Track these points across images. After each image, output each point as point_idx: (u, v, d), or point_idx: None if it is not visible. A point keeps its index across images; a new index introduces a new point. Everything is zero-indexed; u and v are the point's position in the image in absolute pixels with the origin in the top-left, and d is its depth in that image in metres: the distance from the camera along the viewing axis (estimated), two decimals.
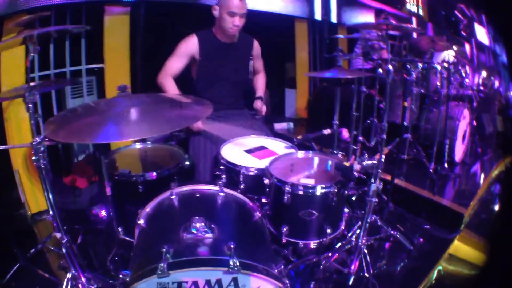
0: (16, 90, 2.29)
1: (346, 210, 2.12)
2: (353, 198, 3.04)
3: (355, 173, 1.79)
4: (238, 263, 1.27)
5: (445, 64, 3.74)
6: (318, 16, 5.57)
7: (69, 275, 1.91)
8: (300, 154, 2.30)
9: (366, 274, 2.19)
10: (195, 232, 1.42)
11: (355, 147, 3.63)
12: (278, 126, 5.12)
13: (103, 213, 2.81)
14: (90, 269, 2.10)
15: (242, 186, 2.13)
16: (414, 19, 6.66)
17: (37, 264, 2.37)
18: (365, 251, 2.21)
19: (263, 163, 2.16)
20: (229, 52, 2.72)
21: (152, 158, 2.40)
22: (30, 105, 1.76)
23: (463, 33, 5.88)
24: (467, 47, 6.09)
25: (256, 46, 2.90)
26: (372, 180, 1.95)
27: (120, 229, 2.04)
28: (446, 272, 2.49)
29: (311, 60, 5.75)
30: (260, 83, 3.07)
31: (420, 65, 3.77)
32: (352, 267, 2.18)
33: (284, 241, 1.95)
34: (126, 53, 3.69)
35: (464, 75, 4.08)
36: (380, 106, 4.03)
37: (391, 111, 4.16)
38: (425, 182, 3.45)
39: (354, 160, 2.09)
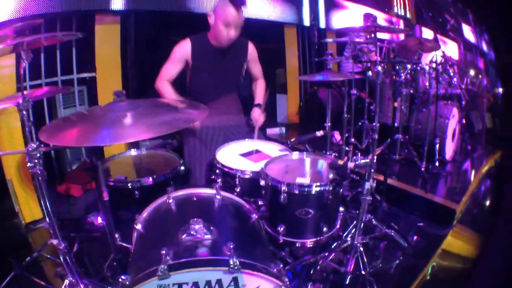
0: (8, 98, 2.28)
1: (341, 209, 2.15)
2: (348, 199, 3.08)
3: (349, 171, 1.81)
4: (238, 263, 1.28)
5: (433, 65, 3.80)
6: (306, 21, 5.63)
7: (66, 282, 1.89)
8: (295, 155, 2.32)
9: (362, 272, 2.21)
10: (194, 233, 1.43)
11: (347, 149, 3.67)
12: (271, 131, 5.15)
13: (99, 220, 2.80)
14: (87, 276, 2.09)
15: (238, 189, 2.15)
16: (401, 22, 6.77)
17: (32, 273, 2.35)
18: (361, 249, 2.23)
19: (258, 166, 2.18)
20: (222, 56, 2.67)
21: (147, 164, 2.40)
22: (24, 112, 1.76)
23: (450, 33, 5.98)
24: (455, 46, 6.19)
25: (252, 49, 2.82)
26: (366, 179, 1.98)
27: (117, 235, 2.04)
28: (440, 267, 2.53)
29: (301, 65, 5.81)
30: (259, 90, 2.98)
31: (409, 66, 3.82)
32: (349, 266, 2.20)
33: (281, 240, 1.97)
34: (117, 62, 3.70)
35: (452, 74, 4.14)
36: (370, 108, 4.08)
37: (382, 113, 4.22)
38: (417, 181, 3.50)
39: (347, 160, 2.12)
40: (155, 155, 2.51)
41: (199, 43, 2.63)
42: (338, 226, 2.12)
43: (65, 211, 3.14)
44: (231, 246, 1.33)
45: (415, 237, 2.87)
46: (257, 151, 2.49)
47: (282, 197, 1.90)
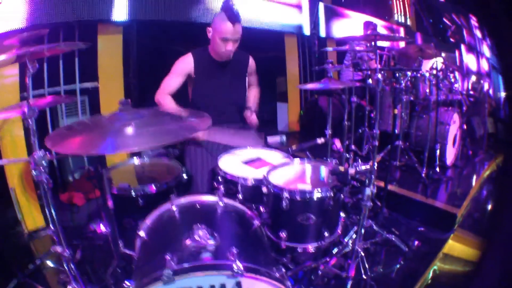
0: (12, 107, 2.31)
1: (342, 214, 2.17)
2: (349, 206, 3.09)
3: (350, 178, 1.84)
4: (241, 267, 1.29)
5: (434, 71, 3.83)
6: (307, 30, 5.68)
7: None
8: (296, 162, 2.35)
9: (364, 277, 2.22)
10: (198, 239, 1.44)
11: (348, 156, 3.69)
12: (271, 139, 5.16)
13: (102, 228, 2.82)
14: (90, 284, 2.11)
15: (240, 196, 2.17)
16: (402, 29, 6.80)
17: (35, 281, 2.37)
18: (362, 254, 2.25)
19: (260, 173, 2.20)
20: (224, 70, 2.70)
21: (149, 173, 2.43)
22: (29, 121, 1.78)
23: (451, 39, 6.01)
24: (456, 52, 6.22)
25: (251, 62, 2.86)
26: (366, 185, 2.00)
27: (120, 243, 2.06)
28: (442, 271, 2.54)
29: (301, 74, 5.85)
30: (251, 95, 2.99)
31: (409, 73, 3.86)
32: (350, 271, 2.21)
33: (283, 246, 1.98)
34: (119, 72, 3.74)
35: (453, 80, 4.17)
36: (371, 115, 4.11)
37: (382, 120, 4.24)
38: (418, 187, 3.52)
39: (348, 167, 2.14)
40: (157, 164, 2.53)
41: (201, 57, 2.67)
42: (339, 231, 2.14)
43: (68, 219, 3.16)
44: (234, 251, 1.35)
45: (416, 242, 2.89)
46: (258, 159, 2.52)
47: (284, 203, 1.92)
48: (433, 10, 6.49)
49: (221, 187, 2.20)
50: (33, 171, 1.61)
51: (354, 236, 2.46)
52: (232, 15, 2.42)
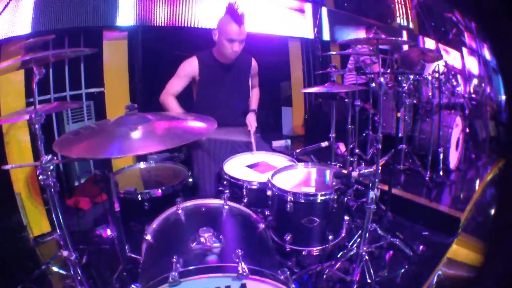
0: (19, 113, 2.33)
1: (346, 218, 2.17)
2: (353, 209, 3.10)
3: (353, 180, 1.85)
4: (246, 269, 1.30)
5: (436, 75, 3.85)
6: (310, 35, 5.71)
7: None
8: (300, 166, 2.36)
9: (368, 281, 2.23)
10: (204, 242, 1.46)
11: (352, 159, 3.69)
12: (276, 143, 5.19)
13: (108, 232, 2.84)
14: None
15: (245, 200, 2.18)
16: (404, 33, 6.81)
17: (41, 286, 2.38)
18: (367, 257, 2.25)
19: (265, 177, 2.22)
20: (228, 73, 2.77)
21: (155, 177, 2.45)
22: (36, 126, 1.81)
23: (453, 42, 6.01)
24: (458, 55, 6.22)
25: (254, 65, 2.94)
26: (370, 188, 2.01)
27: (126, 246, 2.07)
28: (446, 275, 2.54)
29: (305, 78, 5.87)
30: (254, 97, 3.06)
31: (412, 76, 3.87)
32: (355, 275, 2.22)
33: (288, 249, 1.99)
34: (125, 77, 3.77)
35: (455, 83, 4.17)
36: (374, 119, 4.12)
37: (386, 123, 4.25)
38: (421, 190, 3.52)
39: (352, 170, 2.15)
40: (163, 168, 2.56)
41: (206, 60, 2.73)
42: (343, 234, 2.14)
43: (74, 223, 3.18)
44: (240, 253, 1.36)
45: (421, 246, 2.88)
46: (263, 162, 2.54)
47: (288, 206, 1.93)
48: (434, 13, 6.49)
49: (227, 191, 2.22)
50: (40, 175, 1.63)
51: (358, 239, 2.47)
52: (237, 17, 2.51)
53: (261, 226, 1.82)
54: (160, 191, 2.11)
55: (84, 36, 3.50)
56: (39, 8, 3.02)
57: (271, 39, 5.04)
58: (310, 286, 2.31)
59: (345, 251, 2.45)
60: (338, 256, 2.43)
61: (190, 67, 2.71)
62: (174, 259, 1.34)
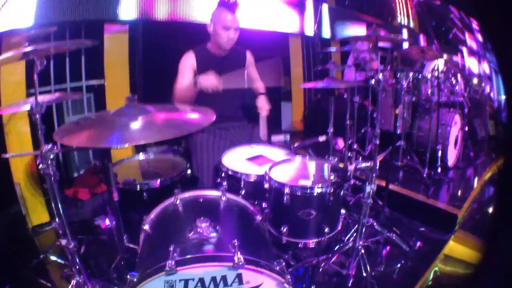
0: (19, 103, 2.34)
1: (342, 211, 2.19)
2: (350, 204, 3.11)
3: (350, 174, 1.87)
4: (242, 259, 1.32)
5: (435, 73, 3.85)
6: (310, 31, 5.71)
7: (73, 282, 1.93)
8: (297, 159, 2.38)
9: (364, 275, 2.25)
10: (200, 232, 1.48)
11: (350, 155, 3.71)
12: (275, 138, 5.20)
13: (106, 222, 2.84)
14: (94, 278, 2.13)
15: (243, 192, 2.20)
16: (405, 31, 6.81)
17: (39, 275, 2.39)
18: (363, 251, 2.27)
19: (262, 170, 2.23)
20: (223, 65, 2.76)
21: (154, 168, 2.46)
22: (37, 116, 1.82)
23: (453, 41, 6.01)
24: (457, 54, 6.22)
25: (249, 56, 2.98)
26: (367, 183, 2.03)
27: (124, 236, 2.09)
28: (442, 272, 2.55)
29: (305, 73, 5.87)
30: (259, 85, 3.01)
31: (411, 74, 3.88)
32: (351, 269, 2.24)
33: (284, 241, 2.01)
34: (125, 70, 3.78)
35: (454, 82, 4.18)
36: (373, 115, 4.13)
37: (385, 120, 4.26)
38: (419, 187, 3.53)
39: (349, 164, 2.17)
40: (162, 160, 2.57)
41: (202, 53, 2.76)
42: (339, 227, 2.17)
43: (73, 214, 3.19)
44: (236, 244, 1.38)
45: (418, 242, 2.89)
46: (261, 156, 2.55)
47: (285, 198, 1.95)
48: (434, 13, 6.49)
49: (224, 183, 2.24)
50: (40, 164, 1.65)
51: (355, 234, 2.49)
52: (230, 5, 2.60)
53: (258, 218, 1.84)
54: (158, 182, 2.13)
55: (85, 29, 3.51)
56: (42, 0, 3.03)
57: (271, 35, 5.04)
58: (307, 278, 2.32)
59: (342, 245, 2.47)
60: (335, 249, 2.44)
61: (189, 61, 2.73)
62: (171, 248, 1.36)
